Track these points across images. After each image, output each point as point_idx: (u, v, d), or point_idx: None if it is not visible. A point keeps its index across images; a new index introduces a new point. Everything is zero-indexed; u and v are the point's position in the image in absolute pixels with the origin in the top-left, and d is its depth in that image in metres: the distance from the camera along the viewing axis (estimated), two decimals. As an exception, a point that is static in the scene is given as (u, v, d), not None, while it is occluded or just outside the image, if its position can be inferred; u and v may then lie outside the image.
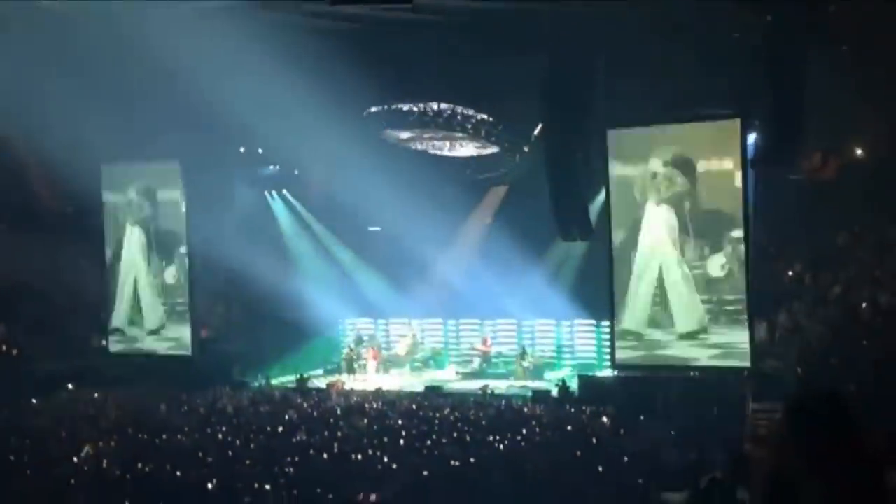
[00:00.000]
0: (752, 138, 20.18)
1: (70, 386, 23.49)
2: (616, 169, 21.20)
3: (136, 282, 26.23)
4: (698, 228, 20.46)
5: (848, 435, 3.24)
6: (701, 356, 20.34)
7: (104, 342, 26.51)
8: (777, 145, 18.85)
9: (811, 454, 3.21)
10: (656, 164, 20.70)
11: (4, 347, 24.96)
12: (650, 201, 20.86)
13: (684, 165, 20.54)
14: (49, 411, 20.68)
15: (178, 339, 25.73)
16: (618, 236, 21.24)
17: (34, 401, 21.75)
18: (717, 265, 20.30)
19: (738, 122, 19.92)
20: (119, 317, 26.49)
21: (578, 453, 15.34)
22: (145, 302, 26.21)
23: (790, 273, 22.72)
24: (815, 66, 17.98)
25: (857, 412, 3.26)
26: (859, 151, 22.30)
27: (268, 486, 13.50)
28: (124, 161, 26.23)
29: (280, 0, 18.95)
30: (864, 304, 20.24)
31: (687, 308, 20.50)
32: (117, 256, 26.53)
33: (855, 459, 3.21)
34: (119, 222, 26.51)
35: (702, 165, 20.43)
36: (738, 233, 19.94)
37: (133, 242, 26.29)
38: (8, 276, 24.97)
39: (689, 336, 20.46)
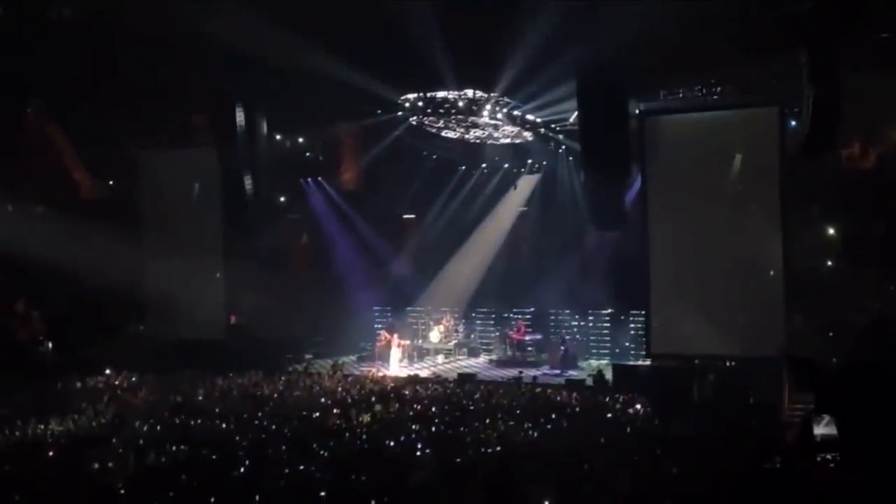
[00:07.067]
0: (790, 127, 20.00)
1: (108, 371, 23.65)
2: (653, 157, 21.01)
3: (173, 268, 26.08)
4: (736, 220, 20.30)
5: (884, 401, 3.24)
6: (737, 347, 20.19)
7: (141, 327, 26.62)
8: (815, 134, 18.60)
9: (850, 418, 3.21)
10: (695, 153, 20.54)
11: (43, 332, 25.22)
12: (687, 191, 20.69)
13: (724, 155, 20.40)
14: (87, 395, 20.87)
15: (214, 324, 25.75)
16: (654, 226, 21.06)
17: (78, 384, 21.96)
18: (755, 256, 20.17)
19: (775, 110, 19.72)
20: (158, 303, 26.37)
21: (606, 440, 15.29)
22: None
23: (828, 263, 22.48)
24: (854, 53, 17.75)
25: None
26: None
27: (301, 468, 13.57)
28: (160, 148, 26.34)
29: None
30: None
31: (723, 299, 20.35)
32: (156, 243, 26.53)
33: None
34: (158, 209, 26.59)
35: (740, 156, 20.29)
36: (776, 223, 19.75)
37: (172, 230, 26.33)
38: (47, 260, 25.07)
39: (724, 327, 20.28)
